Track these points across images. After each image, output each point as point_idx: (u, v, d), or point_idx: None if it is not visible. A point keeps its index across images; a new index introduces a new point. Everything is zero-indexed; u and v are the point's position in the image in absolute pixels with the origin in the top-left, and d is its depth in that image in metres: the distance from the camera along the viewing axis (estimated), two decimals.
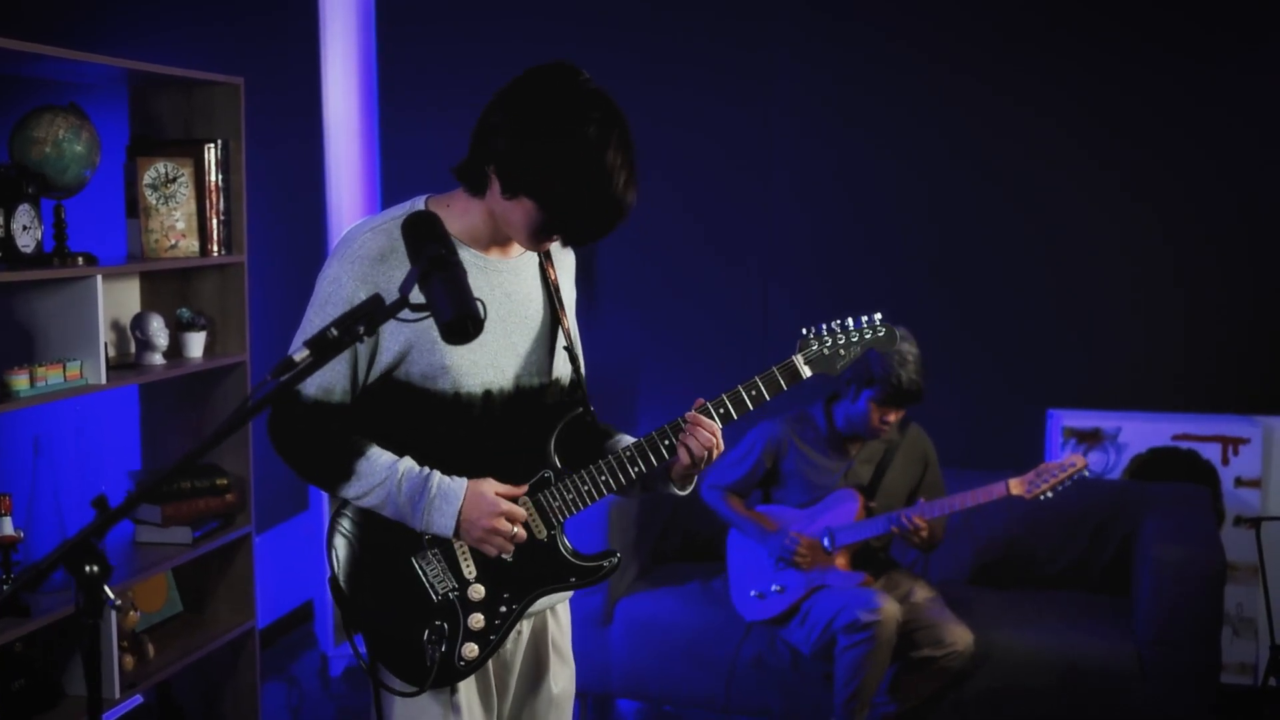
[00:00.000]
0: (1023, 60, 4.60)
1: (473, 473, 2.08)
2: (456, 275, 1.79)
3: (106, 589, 1.53)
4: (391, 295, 1.92)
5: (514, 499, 2.09)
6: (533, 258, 2.19)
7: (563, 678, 2.28)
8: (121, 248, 3.58)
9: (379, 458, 2.05)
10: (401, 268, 1.98)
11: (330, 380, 2.04)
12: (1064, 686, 3.71)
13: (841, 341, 2.22)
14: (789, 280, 4.86)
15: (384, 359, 2.05)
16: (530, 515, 2.12)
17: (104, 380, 3.10)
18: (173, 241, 3.43)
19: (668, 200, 4.83)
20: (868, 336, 2.23)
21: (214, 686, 3.77)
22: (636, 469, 2.13)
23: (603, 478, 2.13)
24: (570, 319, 2.23)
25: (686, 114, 4.83)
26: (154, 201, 3.40)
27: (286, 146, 4.76)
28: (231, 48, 4.40)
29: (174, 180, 3.43)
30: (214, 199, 3.51)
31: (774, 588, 3.83)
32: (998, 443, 4.65)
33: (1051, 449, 4.57)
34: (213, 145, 3.51)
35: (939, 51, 4.67)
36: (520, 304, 2.15)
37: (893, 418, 3.78)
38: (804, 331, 2.21)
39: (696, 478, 2.21)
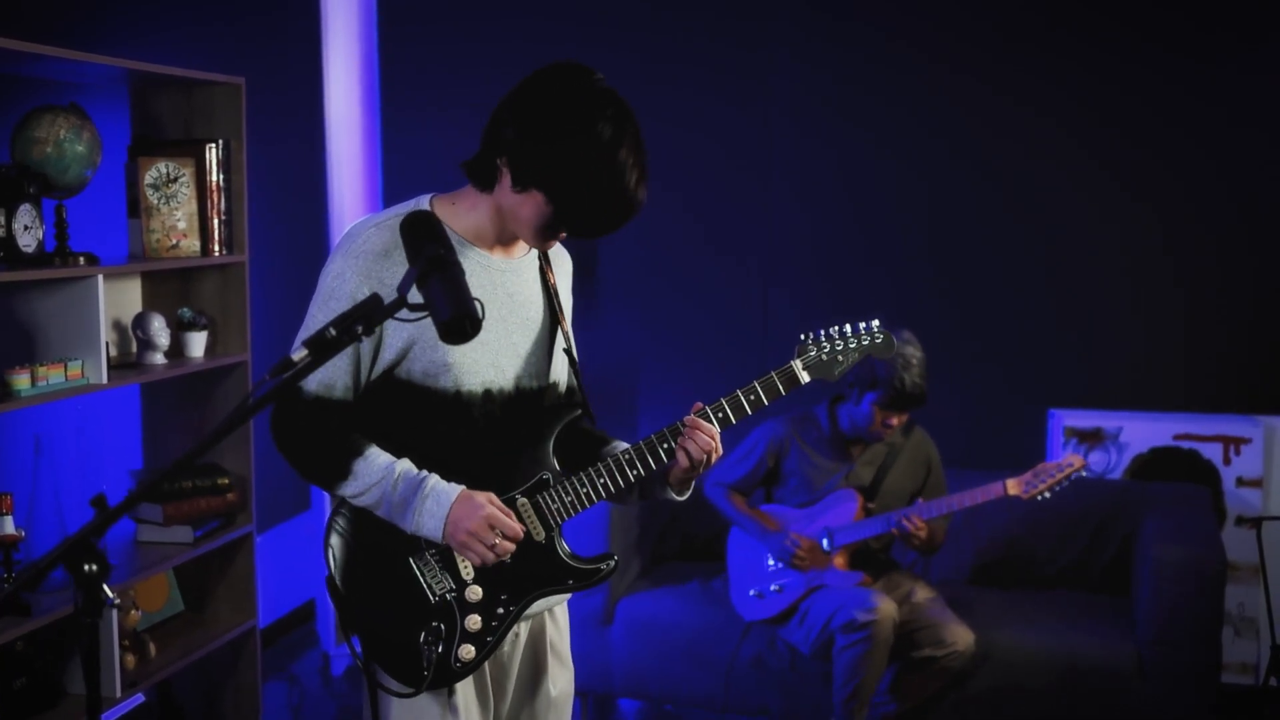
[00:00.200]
0: (1023, 60, 4.60)
1: (473, 473, 2.09)
2: (454, 275, 1.79)
3: (105, 588, 1.53)
4: (394, 291, 1.93)
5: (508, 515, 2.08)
6: (534, 260, 2.20)
7: (561, 680, 2.28)
8: (123, 247, 3.59)
9: (377, 458, 2.05)
10: (404, 264, 1.99)
11: (332, 376, 2.04)
12: (1064, 686, 3.71)
13: (840, 347, 2.22)
14: (789, 280, 4.86)
15: (386, 355, 2.05)
16: (528, 517, 2.12)
17: (105, 380, 3.11)
18: (174, 241, 3.44)
19: (668, 200, 4.83)
20: (865, 343, 2.24)
21: (215, 686, 3.78)
22: (635, 472, 2.13)
23: (601, 480, 2.13)
24: (568, 325, 2.24)
25: (686, 114, 4.84)
26: (155, 201, 3.41)
27: (288, 146, 4.77)
28: (233, 47, 4.41)
29: (175, 180, 3.43)
30: (215, 199, 3.52)
31: (773, 587, 3.84)
32: (999, 443, 4.64)
33: (1053, 449, 4.57)
34: (214, 145, 3.51)
35: (939, 51, 4.67)
36: (521, 305, 2.15)
37: (895, 421, 3.78)
38: (802, 337, 2.22)
39: (693, 483, 2.21)
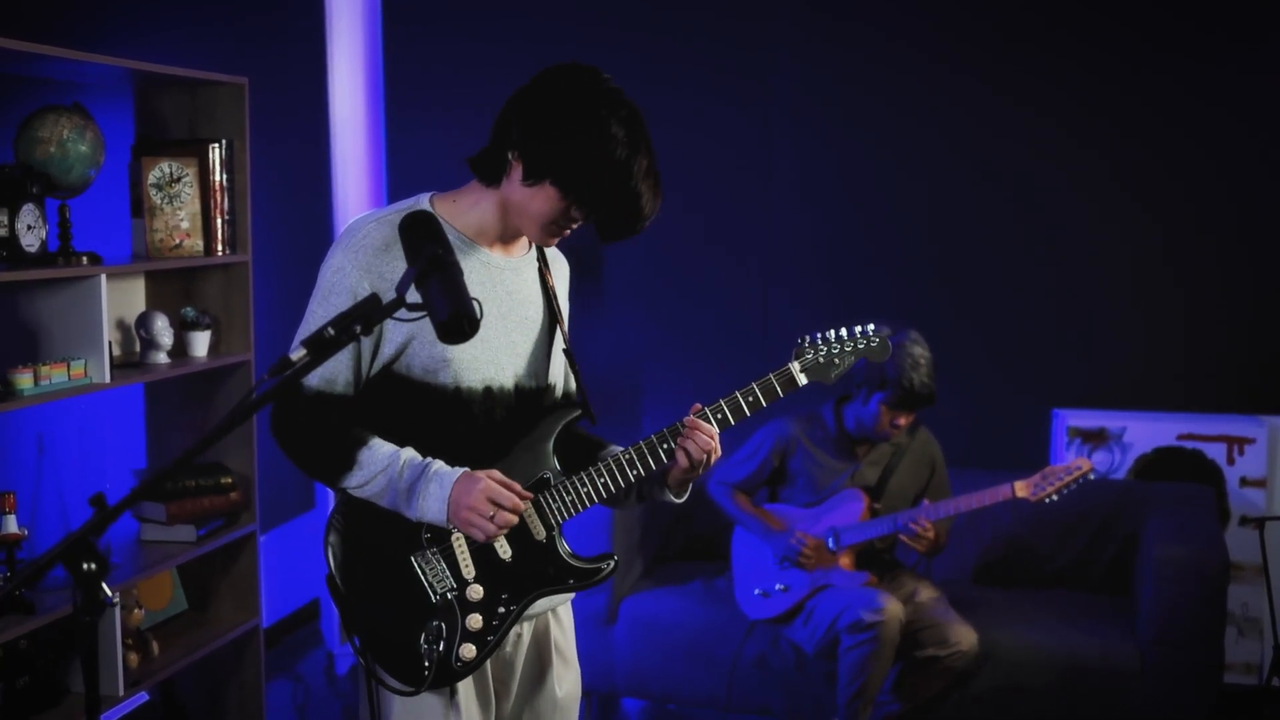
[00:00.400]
0: (1023, 60, 4.60)
1: (473, 470, 2.09)
2: (453, 275, 1.80)
3: (105, 586, 1.54)
4: (394, 285, 1.94)
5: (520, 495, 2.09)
6: (533, 261, 2.21)
7: (567, 681, 2.29)
8: (126, 247, 3.60)
9: (381, 447, 2.06)
10: (404, 259, 2.00)
11: (333, 371, 2.05)
12: (1065, 686, 3.71)
13: (836, 350, 2.24)
14: (789, 280, 4.86)
15: (386, 351, 2.06)
16: (529, 516, 2.13)
17: (108, 379, 3.11)
18: (177, 241, 3.45)
19: (668, 201, 4.79)
20: (861, 346, 2.26)
21: (218, 684, 3.79)
22: (635, 471, 2.15)
23: (602, 480, 2.14)
24: (566, 328, 2.25)
25: (686, 114, 4.84)
26: (159, 201, 3.42)
27: (292, 145, 4.78)
28: (237, 47, 4.42)
29: (179, 180, 3.44)
30: (218, 198, 3.53)
31: (778, 587, 3.84)
32: (1003, 443, 4.64)
33: (1057, 449, 4.57)
34: (217, 145, 3.52)
35: (939, 51, 4.67)
36: (521, 304, 2.16)
37: (903, 421, 3.78)
38: (800, 340, 2.24)
39: (691, 486, 2.22)
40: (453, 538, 2.11)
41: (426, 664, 2.07)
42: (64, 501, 3.14)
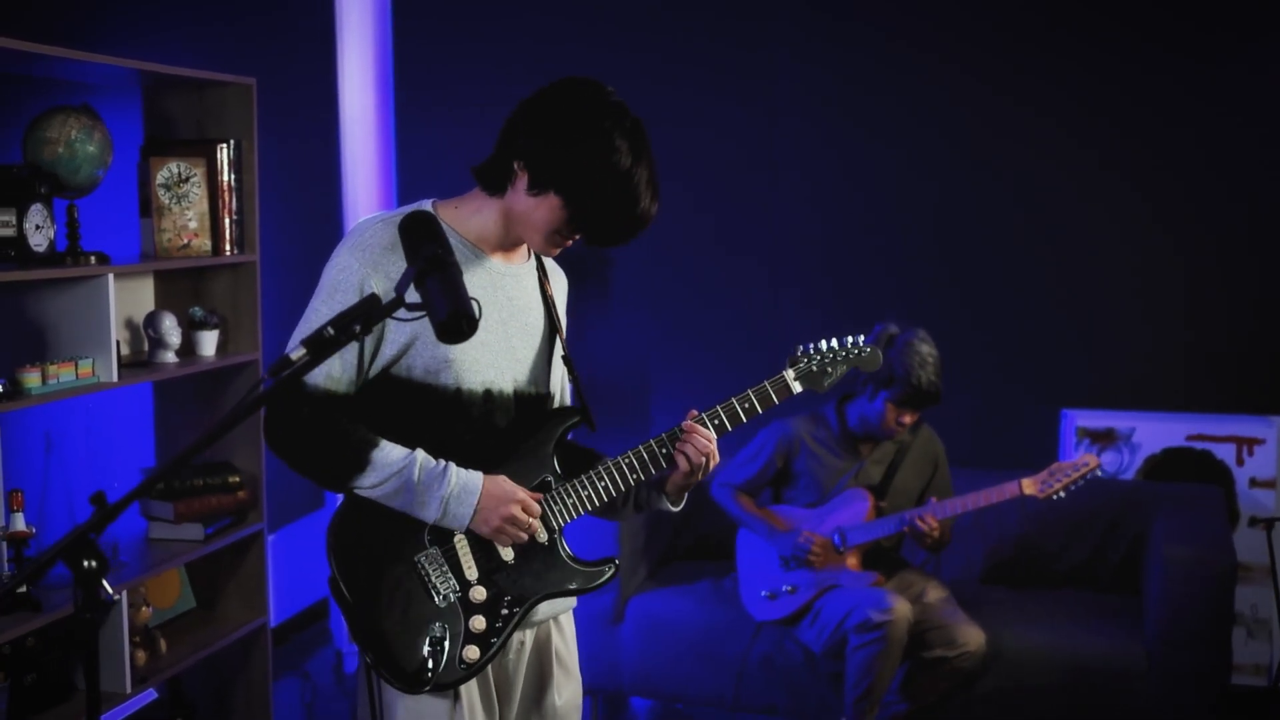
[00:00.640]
0: (1023, 60, 4.60)
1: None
2: (452, 275, 1.81)
3: (105, 584, 1.54)
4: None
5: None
6: (533, 269, 2.23)
7: (567, 690, 2.29)
8: (134, 247, 3.61)
9: (392, 449, 2.06)
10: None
11: (338, 370, 2.05)
12: (1072, 686, 3.70)
13: (829, 360, 2.28)
14: (795, 279, 4.86)
15: (388, 351, 2.07)
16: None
17: (115, 378, 3.12)
18: (185, 241, 3.46)
19: (672, 201, 4.78)
20: (853, 356, 2.30)
21: (226, 682, 3.80)
22: (635, 475, 2.17)
23: (602, 484, 2.16)
24: (564, 337, 2.26)
25: (689, 114, 4.84)
26: (167, 201, 3.43)
27: (300, 145, 4.79)
28: (245, 47, 4.43)
29: (187, 180, 3.45)
30: (226, 198, 3.54)
31: (785, 588, 3.83)
32: (1011, 443, 4.64)
33: (1065, 449, 4.56)
34: (225, 145, 3.53)
35: (940, 51, 4.67)
36: (521, 310, 2.18)
37: (909, 419, 3.78)
38: (797, 350, 2.28)
39: (688, 494, 2.24)
40: (455, 539, 2.11)
41: (430, 665, 2.07)
42: (72, 500, 3.16)
